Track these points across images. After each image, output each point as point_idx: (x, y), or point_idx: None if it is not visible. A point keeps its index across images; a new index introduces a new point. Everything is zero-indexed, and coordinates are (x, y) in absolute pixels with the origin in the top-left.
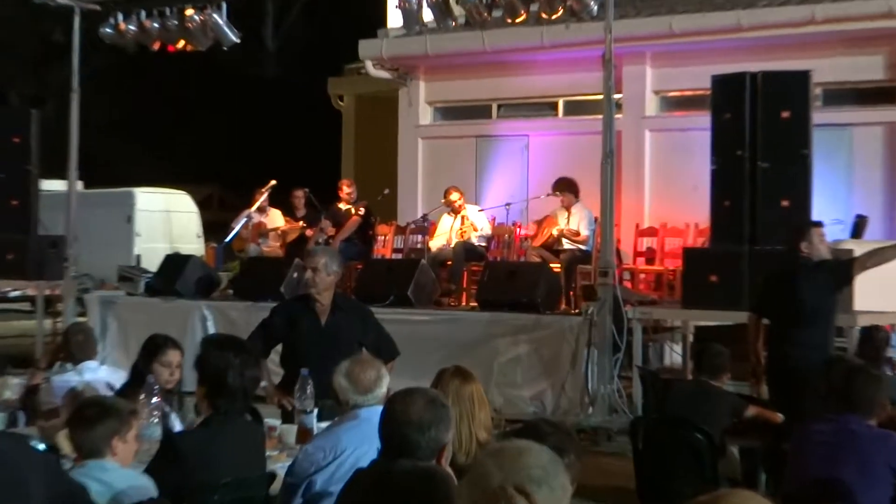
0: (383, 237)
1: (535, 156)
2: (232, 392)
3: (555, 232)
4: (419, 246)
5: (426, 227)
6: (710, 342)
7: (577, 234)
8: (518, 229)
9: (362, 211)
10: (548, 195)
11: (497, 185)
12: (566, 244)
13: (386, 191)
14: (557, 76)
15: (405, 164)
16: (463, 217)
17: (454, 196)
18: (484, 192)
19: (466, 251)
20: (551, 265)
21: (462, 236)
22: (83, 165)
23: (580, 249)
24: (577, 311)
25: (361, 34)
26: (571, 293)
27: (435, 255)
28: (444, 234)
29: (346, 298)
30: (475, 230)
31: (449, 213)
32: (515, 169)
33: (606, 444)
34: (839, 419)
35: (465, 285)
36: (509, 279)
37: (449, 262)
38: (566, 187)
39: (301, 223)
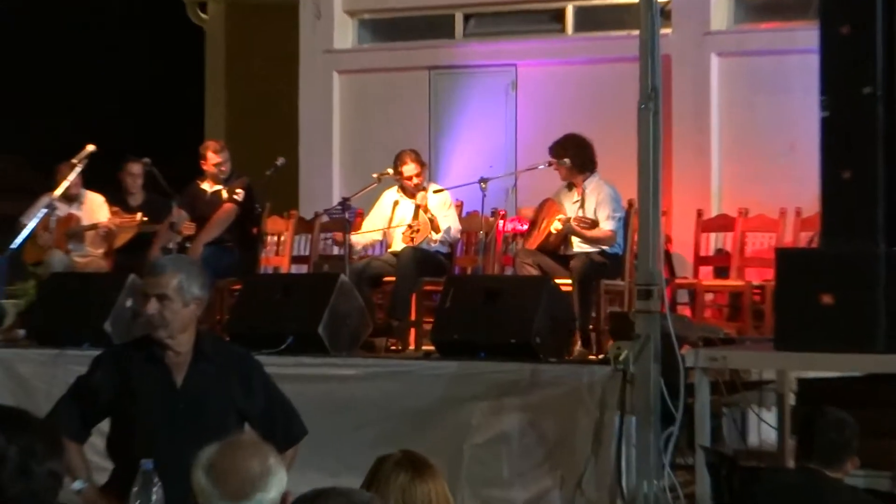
0: (276, 238)
1: (527, 99)
2: (11, 502)
3: (559, 225)
4: (337, 252)
5: (349, 220)
6: (825, 407)
7: (595, 225)
8: (501, 221)
9: (240, 194)
10: (548, 165)
11: (465, 150)
12: (578, 245)
13: (280, 160)
14: None
15: (311, 115)
16: (420, 207)
17: (409, 168)
18: (443, 161)
19: (418, 260)
20: (557, 280)
21: (412, 239)
22: None
23: (602, 253)
24: (600, 356)
25: None
26: (591, 327)
27: (363, 268)
28: (379, 230)
29: (217, 342)
30: (435, 229)
31: (399, 191)
32: (495, 121)
33: None
34: None
35: (414, 316)
36: (488, 305)
37: (388, 279)
38: (576, 152)
39: (138, 215)
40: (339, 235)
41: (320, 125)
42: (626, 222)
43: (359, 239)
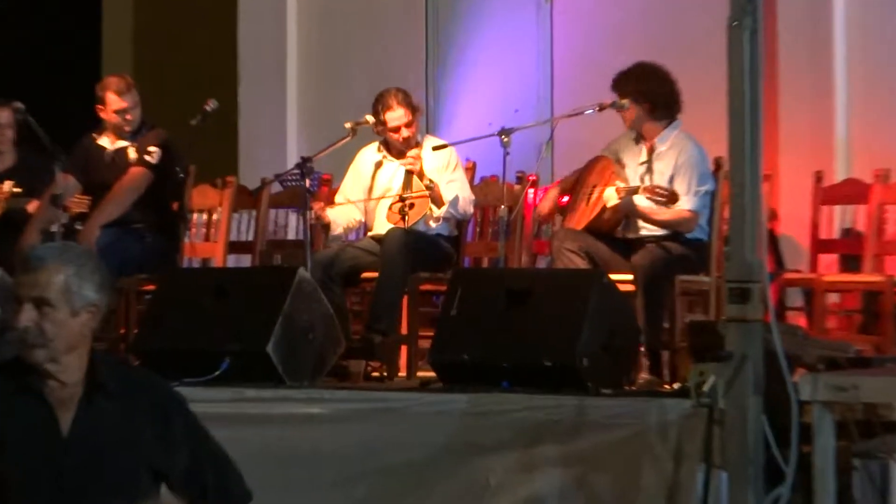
0: (206, 216)
1: (567, 16)
2: None
3: (616, 197)
4: (293, 236)
5: (312, 189)
6: None
7: (673, 200)
8: (532, 191)
9: (155, 154)
10: (599, 109)
11: (478, 89)
12: (644, 227)
13: (210, 104)
14: None
15: (255, 39)
16: (413, 170)
17: (396, 114)
18: (446, 105)
19: (411, 248)
20: (613, 275)
21: (402, 216)
22: None
23: (679, 238)
24: (675, 385)
25: None
26: (663, 343)
27: (333, 259)
28: (354, 205)
29: (120, 369)
30: (435, 201)
31: (381, 149)
32: (522, 47)
33: None
34: None
35: (406, 329)
36: (512, 312)
37: (368, 275)
38: (652, 87)
39: (6, 185)
40: (318, 205)
41: (269, 54)
42: (713, 196)
43: (337, 216)
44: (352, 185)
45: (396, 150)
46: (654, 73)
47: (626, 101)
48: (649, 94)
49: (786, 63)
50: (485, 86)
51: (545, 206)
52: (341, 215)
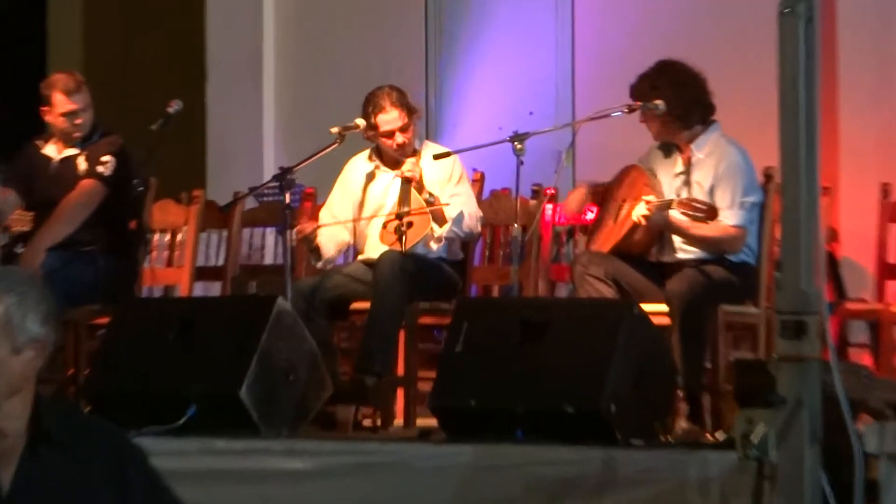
0: (169, 236)
1: (590, 6)
2: None
3: (648, 213)
4: (271, 260)
5: (293, 205)
6: None
7: (713, 215)
8: (550, 206)
9: (109, 164)
10: (628, 111)
11: (486, 89)
12: (682, 247)
13: (174, 106)
14: None
15: (226, 32)
16: (411, 181)
17: (389, 117)
18: (450, 108)
19: (408, 273)
20: (646, 306)
21: (398, 237)
22: None
23: (722, 262)
24: (718, 435)
25: None
26: (704, 385)
27: (317, 287)
28: (342, 224)
29: (70, 415)
30: (436, 219)
31: (373, 157)
32: (538, 41)
33: None
34: None
35: (402, 369)
36: (528, 350)
37: (359, 306)
38: (679, 91)
39: None
40: (302, 226)
41: (242, 47)
42: (762, 210)
43: (325, 238)
44: (339, 201)
45: (391, 159)
46: (677, 71)
47: (659, 102)
48: (674, 97)
49: (847, 57)
50: (495, 84)
51: (574, 202)
52: (330, 237)
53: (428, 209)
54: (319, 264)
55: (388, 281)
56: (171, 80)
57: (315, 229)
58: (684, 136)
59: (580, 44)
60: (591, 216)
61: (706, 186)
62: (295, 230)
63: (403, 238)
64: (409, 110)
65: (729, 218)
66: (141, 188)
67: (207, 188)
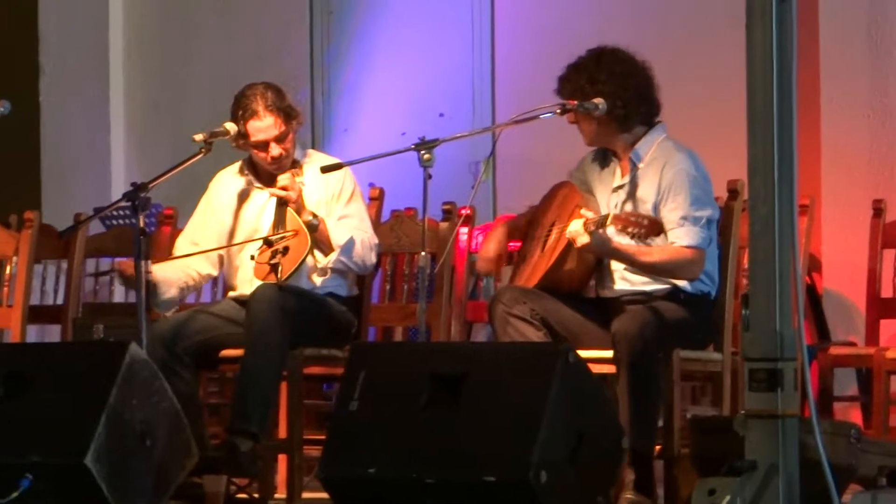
0: None
1: None
2: None
3: (584, 234)
4: (121, 298)
5: (149, 230)
6: None
7: (659, 232)
8: (464, 230)
9: None
10: (561, 112)
11: (385, 85)
12: (625, 277)
13: (1, 107)
14: None
15: (63, 17)
16: (288, 200)
17: (262, 123)
18: (340, 109)
19: (289, 313)
20: (583, 351)
21: (273, 268)
22: None
23: (675, 295)
24: None
25: None
26: (656, 448)
27: (179, 329)
28: (208, 252)
29: None
30: (319, 246)
31: (244, 171)
32: (449, 29)
33: None
34: None
35: (285, 431)
36: (438, 408)
37: (230, 353)
38: (617, 84)
39: None
40: (124, 264)
41: (83, 37)
42: (720, 229)
43: (171, 273)
44: (202, 224)
45: (267, 173)
46: (615, 62)
47: (599, 100)
48: (611, 93)
49: (829, 46)
50: (397, 80)
51: (490, 247)
52: (176, 271)
53: (308, 234)
54: (158, 310)
55: (265, 322)
56: None
57: (143, 265)
58: (623, 141)
59: (501, 32)
60: (515, 243)
61: (651, 199)
62: (115, 268)
63: (279, 268)
64: (288, 115)
65: (682, 238)
66: None
67: (43, 209)
